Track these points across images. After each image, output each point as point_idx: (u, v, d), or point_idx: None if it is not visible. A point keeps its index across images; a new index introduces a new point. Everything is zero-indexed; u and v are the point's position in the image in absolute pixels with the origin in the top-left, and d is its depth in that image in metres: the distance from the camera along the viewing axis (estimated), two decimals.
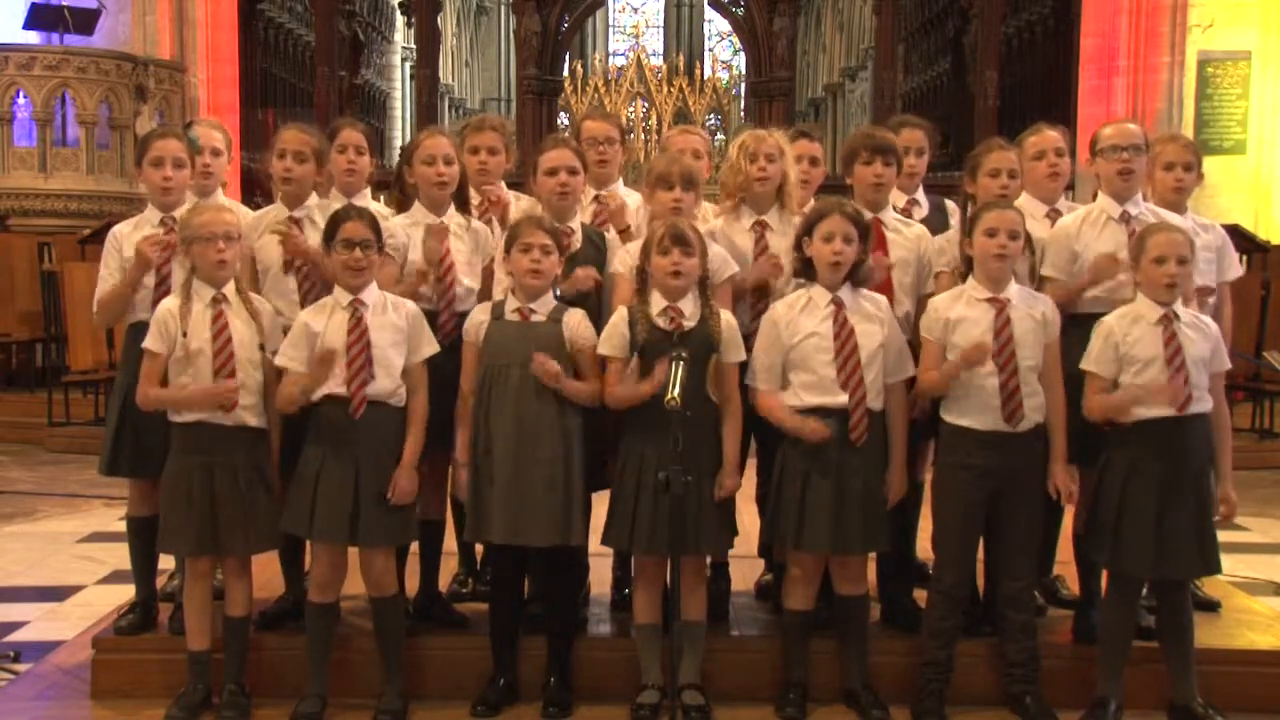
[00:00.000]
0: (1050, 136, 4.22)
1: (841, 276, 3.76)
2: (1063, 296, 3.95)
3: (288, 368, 3.73)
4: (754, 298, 4.03)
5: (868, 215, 4.02)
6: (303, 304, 3.98)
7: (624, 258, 3.96)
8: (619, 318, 3.78)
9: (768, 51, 15.72)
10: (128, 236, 4.08)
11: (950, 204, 4.48)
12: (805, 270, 3.81)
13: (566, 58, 21.83)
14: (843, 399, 3.70)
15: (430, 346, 3.83)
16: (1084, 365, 3.76)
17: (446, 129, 4.41)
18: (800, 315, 3.76)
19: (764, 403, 3.79)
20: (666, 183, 3.97)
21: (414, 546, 4.09)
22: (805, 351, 3.73)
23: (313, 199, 4.15)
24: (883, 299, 3.84)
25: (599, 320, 3.88)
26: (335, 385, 3.68)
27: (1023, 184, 4.25)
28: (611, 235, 4.17)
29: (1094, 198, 4.15)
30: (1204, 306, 4.01)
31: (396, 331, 3.76)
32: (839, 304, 3.75)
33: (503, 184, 4.42)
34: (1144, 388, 3.64)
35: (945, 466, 3.86)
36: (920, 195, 4.52)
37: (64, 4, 11.89)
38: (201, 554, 3.77)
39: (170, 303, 3.79)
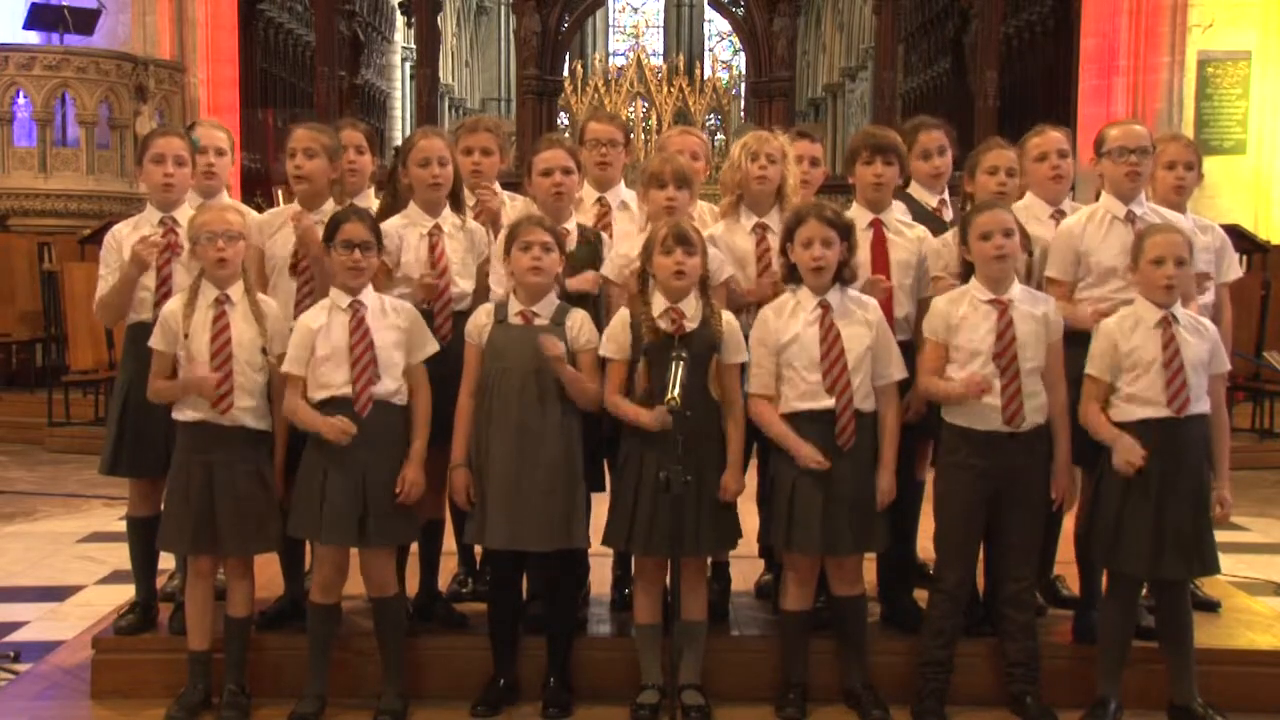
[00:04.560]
0: (1053, 138, 4.19)
1: (826, 280, 3.75)
2: (1069, 315, 3.90)
3: (294, 373, 3.74)
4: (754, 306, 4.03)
5: (868, 216, 4.02)
6: (297, 306, 3.99)
7: (615, 262, 3.97)
8: (620, 319, 3.77)
9: (768, 51, 15.76)
10: (127, 237, 4.09)
11: None
12: (792, 275, 3.81)
13: (566, 58, 21.82)
14: (829, 403, 3.70)
15: (431, 346, 3.83)
16: (1087, 370, 3.75)
17: (442, 129, 4.38)
18: (788, 318, 3.76)
19: (761, 415, 3.77)
20: (659, 181, 3.98)
21: (414, 547, 4.09)
22: (792, 354, 3.73)
23: (329, 205, 4.13)
24: (872, 301, 3.83)
25: (597, 322, 3.87)
26: (339, 386, 3.69)
27: (1023, 184, 4.24)
28: (608, 237, 4.17)
29: (1096, 197, 4.13)
30: (1202, 293, 3.99)
31: (397, 332, 3.76)
32: (825, 307, 3.74)
33: (498, 185, 4.41)
34: (1122, 439, 3.63)
35: (946, 467, 3.85)
36: (948, 197, 4.51)
37: (64, 4, 11.89)
38: (197, 552, 3.78)
39: (175, 303, 3.80)
